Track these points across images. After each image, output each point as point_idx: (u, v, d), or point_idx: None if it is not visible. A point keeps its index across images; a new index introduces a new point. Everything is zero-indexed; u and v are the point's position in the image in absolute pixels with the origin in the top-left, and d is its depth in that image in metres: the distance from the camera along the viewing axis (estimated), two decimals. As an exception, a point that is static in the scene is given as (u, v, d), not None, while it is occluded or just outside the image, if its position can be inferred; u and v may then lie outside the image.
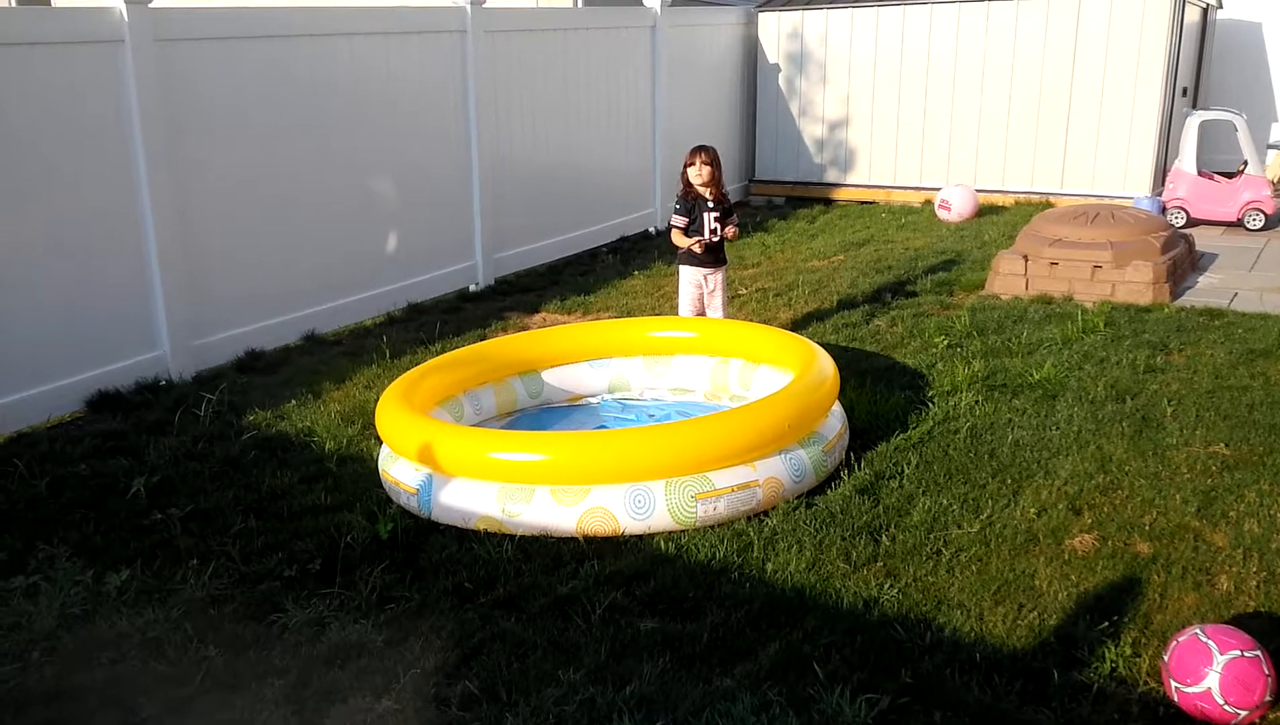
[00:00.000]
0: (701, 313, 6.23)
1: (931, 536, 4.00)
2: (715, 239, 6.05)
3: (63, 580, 3.74)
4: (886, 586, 3.65)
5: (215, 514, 4.41)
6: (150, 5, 5.89)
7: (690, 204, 6.04)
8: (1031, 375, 5.69)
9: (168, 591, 3.77)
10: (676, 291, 6.43)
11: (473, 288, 8.55)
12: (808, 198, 12.53)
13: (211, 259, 6.44)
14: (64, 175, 5.63)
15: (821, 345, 5.32)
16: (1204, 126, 10.25)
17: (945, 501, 4.28)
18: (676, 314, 6.47)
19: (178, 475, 4.82)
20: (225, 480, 4.77)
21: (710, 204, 6.02)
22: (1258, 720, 2.92)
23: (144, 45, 5.87)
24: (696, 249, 6.02)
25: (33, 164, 5.49)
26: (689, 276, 6.17)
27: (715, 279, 6.17)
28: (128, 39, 5.79)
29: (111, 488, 4.69)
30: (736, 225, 6.19)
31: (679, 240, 6.08)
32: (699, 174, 5.95)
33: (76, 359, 5.77)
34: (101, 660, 3.38)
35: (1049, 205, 10.97)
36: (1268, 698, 2.90)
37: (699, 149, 6.01)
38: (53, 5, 14.50)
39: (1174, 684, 2.97)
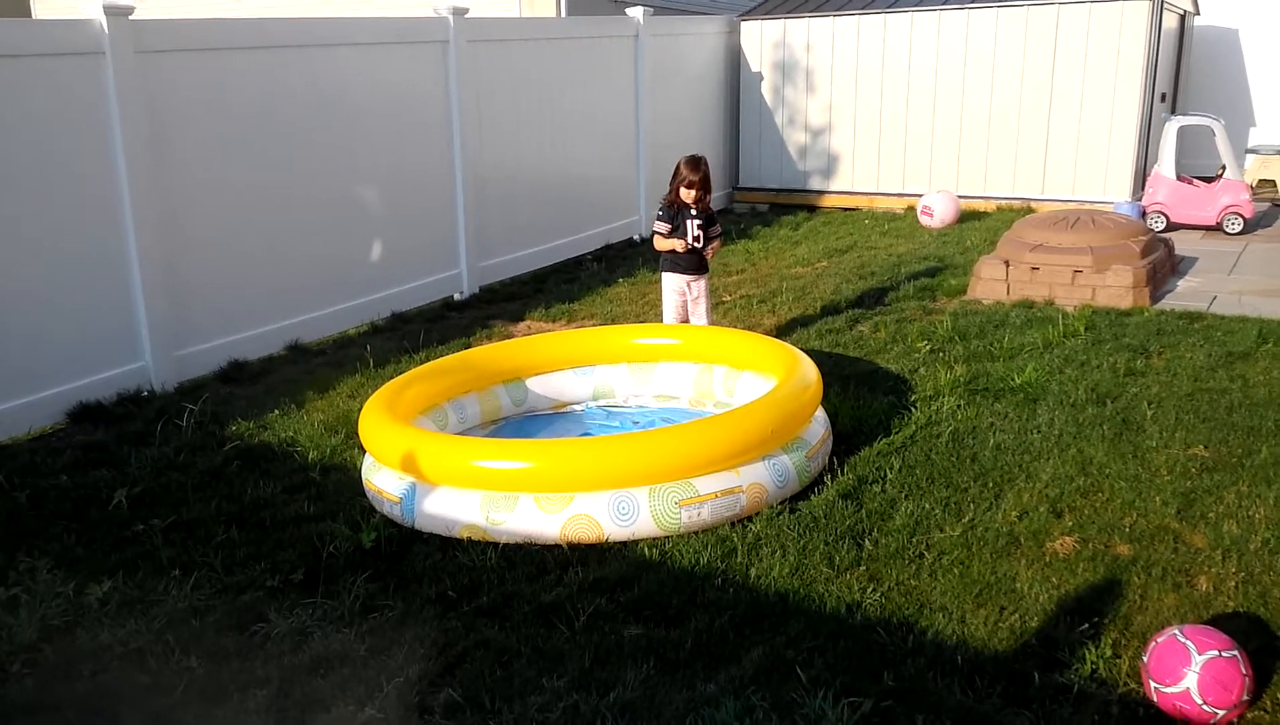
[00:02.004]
0: (685, 320, 6.25)
1: (914, 540, 4.02)
2: (698, 245, 6.08)
3: (44, 592, 3.72)
4: (869, 590, 3.67)
5: (197, 525, 4.40)
6: (131, 17, 5.89)
7: (674, 212, 6.07)
8: (1013, 379, 5.73)
9: (150, 603, 3.75)
10: (661, 299, 6.44)
11: (457, 296, 8.55)
12: (791, 205, 12.58)
13: (194, 269, 6.43)
14: (45, 187, 5.60)
15: (805, 351, 5.35)
16: (1183, 132, 10.35)
17: (927, 505, 4.30)
18: (661, 322, 6.48)
19: (160, 486, 4.80)
20: (207, 491, 4.75)
21: (693, 211, 6.05)
22: (1235, 720, 2.95)
23: (125, 57, 5.86)
24: (679, 248, 6.04)
25: (13, 176, 5.46)
26: (672, 284, 6.19)
27: (699, 286, 6.20)
28: (108, 51, 5.78)
29: (93, 499, 4.67)
30: (719, 235, 6.22)
31: (662, 244, 6.11)
32: (689, 195, 5.99)
33: (58, 370, 5.74)
34: (83, 672, 3.37)
35: (1030, 211, 11.06)
36: (1245, 697, 2.93)
37: (694, 168, 5.97)
38: (33, 16, 14.46)
39: (1153, 684, 2.99)
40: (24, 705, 3.22)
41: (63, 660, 3.42)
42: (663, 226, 6.10)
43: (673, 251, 6.09)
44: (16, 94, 5.45)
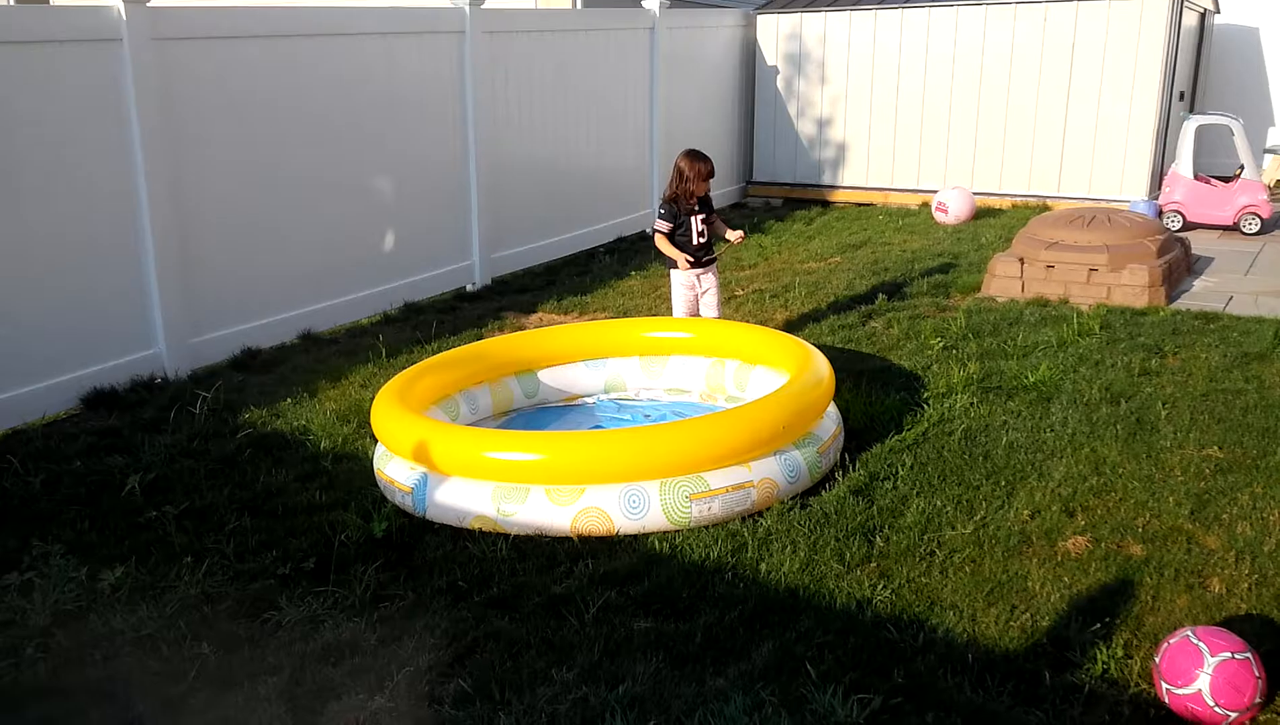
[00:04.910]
0: (696, 313, 6.24)
1: (925, 538, 4.01)
2: (703, 240, 6.07)
3: (57, 577, 3.74)
4: (880, 587, 3.66)
5: (210, 512, 4.42)
6: (148, 4, 5.90)
7: (676, 209, 6.05)
8: (1027, 377, 5.70)
9: (162, 589, 3.77)
10: (670, 293, 6.43)
11: (470, 287, 8.56)
12: (805, 200, 12.54)
13: (208, 257, 6.44)
14: (61, 174, 5.62)
15: (817, 346, 5.33)
16: (1201, 131, 10.27)
17: (939, 503, 4.29)
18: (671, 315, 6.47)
19: (173, 473, 4.82)
20: (220, 478, 4.77)
21: (695, 207, 6.04)
22: (1248, 722, 2.93)
23: (142, 44, 5.87)
24: (683, 267, 6.03)
25: (30, 162, 5.48)
26: (680, 279, 6.17)
27: (708, 279, 6.19)
28: (125, 37, 5.79)
29: (106, 485, 4.69)
30: (739, 227, 6.22)
31: (666, 248, 6.07)
32: (703, 187, 5.99)
33: (72, 356, 5.76)
34: (95, 657, 3.39)
35: (1046, 208, 11.00)
36: (1258, 699, 2.91)
37: (700, 163, 5.98)
38: (51, 3, 14.50)
39: (1165, 685, 2.98)
40: (36, 689, 3.24)
41: (75, 645, 3.44)
42: (664, 225, 6.07)
43: (681, 245, 6.07)
44: (33, 80, 5.46)
